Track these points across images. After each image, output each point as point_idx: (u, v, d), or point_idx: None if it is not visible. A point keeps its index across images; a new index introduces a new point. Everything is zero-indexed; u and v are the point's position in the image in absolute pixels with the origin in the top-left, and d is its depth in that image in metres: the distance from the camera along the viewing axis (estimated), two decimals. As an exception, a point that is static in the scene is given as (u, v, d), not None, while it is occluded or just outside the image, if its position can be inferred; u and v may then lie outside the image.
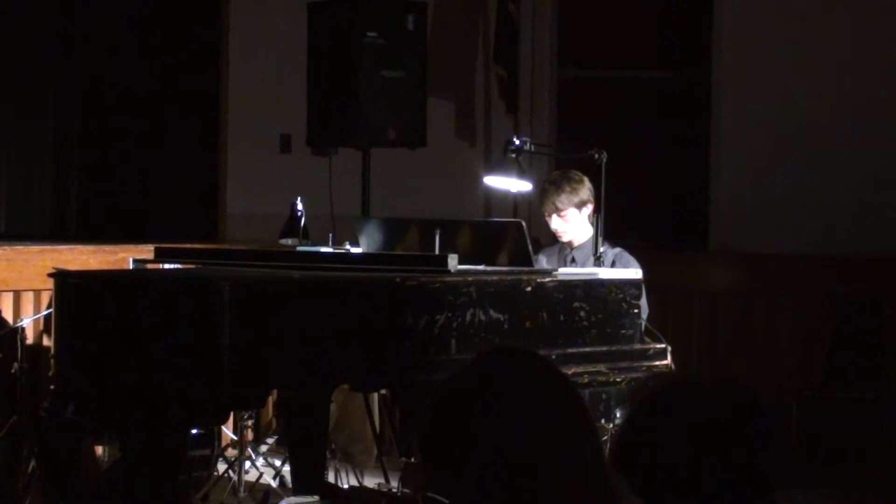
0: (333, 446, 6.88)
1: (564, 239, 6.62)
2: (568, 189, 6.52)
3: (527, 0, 8.86)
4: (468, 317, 5.52)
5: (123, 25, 9.36)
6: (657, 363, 6.03)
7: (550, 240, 6.80)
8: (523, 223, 6.12)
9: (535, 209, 6.80)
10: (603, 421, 5.68)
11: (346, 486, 6.78)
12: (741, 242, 8.51)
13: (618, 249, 6.50)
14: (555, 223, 6.57)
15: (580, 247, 6.60)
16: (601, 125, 8.88)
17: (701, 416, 2.17)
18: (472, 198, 8.54)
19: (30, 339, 6.90)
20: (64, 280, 5.61)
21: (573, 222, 6.56)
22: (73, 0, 9.29)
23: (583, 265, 6.47)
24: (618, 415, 5.76)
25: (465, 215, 8.20)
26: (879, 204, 8.26)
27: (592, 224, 6.49)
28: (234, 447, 7.23)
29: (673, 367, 6.10)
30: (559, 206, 6.53)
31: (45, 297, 7.16)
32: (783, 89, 8.48)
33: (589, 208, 6.55)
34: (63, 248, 7.58)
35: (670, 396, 2.22)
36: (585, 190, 6.53)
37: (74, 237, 8.91)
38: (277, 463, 7.09)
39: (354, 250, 6.36)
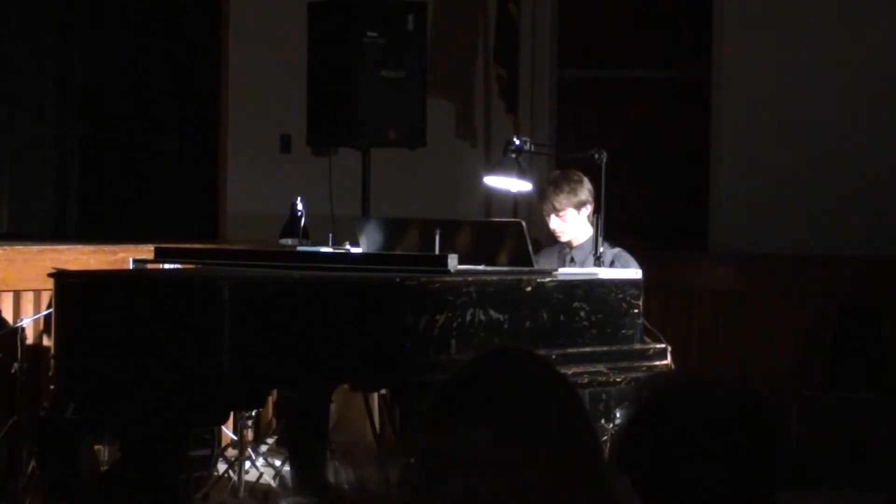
0: (333, 446, 6.88)
1: (563, 239, 6.62)
2: (567, 189, 6.52)
3: (527, 0, 8.86)
4: (468, 317, 5.52)
5: (123, 25, 9.36)
6: (657, 363, 6.03)
7: (550, 240, 6.80)
8: (523, 223, 6.13)
9: (535, 209, 6.81)
10: (603, 421, 5.68)
11: (346, 486, 6.77)
12: (741, 242, 8.51)
13: (617, 249, 6.50)
14: (553, 223, 6.58)
15: (579, 247, 6.60)
16: (601, 125, 8.88)
17: (704, 416, 2.17)
18: (472, 198, 8.54)
19: (30, 339, 6.90)
20: (64, 280, 5.61)
21: (571, 223, 6.56)
22: (73, 0, 9.29)
23: (582, 265, 6.47)
24: (618, 415, 5.76)
25: (465, 215, 8.20)
26: (879, 204, 8.26)
27: (592, 224, 6.48)
28: (234, 447, 7.23)
29: (673, 367, 6.10)
30: (557, 206, 6.53)
31: (45, 297, 7.16)
32: (783, 89, 8.48)
33: (588, 209, 6.55)
34: (63, 248, 7.57)
35: (673, 396, 2.22)
36: (584, 191, 6.53)
37: (75, 237, 8.91)
38: (277, 463, 7.09)
39: (354, 250, 6.36)
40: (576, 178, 6.57)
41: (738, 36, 8.59)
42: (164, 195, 9.44)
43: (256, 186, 8.95)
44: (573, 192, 6.52)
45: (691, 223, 8.82)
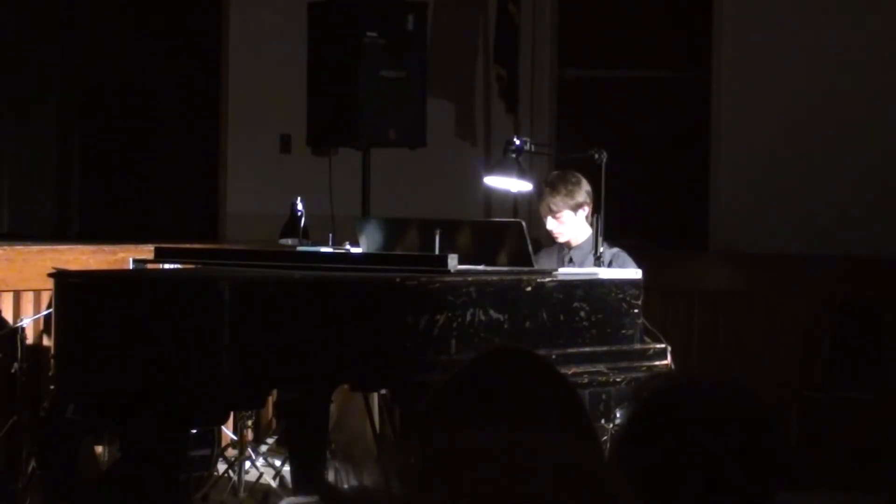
0: (333, 446, 6.88)
1: (560, 240, 6.63)
2: (563, 191, 6.53)
3: (527, 0, 8.86)
4: (468, 317, 5.52)
5: (123, 26, 9.36)
6: (657, 363, 6.03)
7: (550, 240, 6.80)
8: (523, 223, 6.13)
9: (535, 209, 6.81)
10: (603, 421, 5.68)
11: (346, 486, 6.78)
12: (741, 242, 8.51)
13: (616, 249, 6.50)
14: (550, 224, 6.58)
15: (578, 247, 6.60)
16: (601, 125, 8.88)
17: (703, 416, 2.17)
18: (472, 198, 8.54)
19: (30, 339, 6.90)
20: (64, 280, 5.61)
21: (568, 224, 6.56)
22: (73, 1, 9.30)
23: (580, 265, 6.48)
24: (618, 415, 5.76)
25: (465, 215, 8.20)
26: (879, 204, 8.26)
27: (591, 224, 6.48)
28: (234, 447, 7.23)
29: (673, 367, 6.10)
30: (553, 207, 6.53)
31: (45, 297, 7.16)
32: (783, 89, 8.48)
33: (585, 210, 6.55)
34: (63, 248, 7.57)
35: (672, 396, 2.22)
36: (582, 192, 6.53)
37: (75, 237, 8.91)
38: (277, 463, 7.09)
39: (354, 250, 6.36)
40: (573, 179, 6.57)
41: (738, 36, 8.59)
42: (164, 195, 9.44)
43: (256, 186, 8.95)
44: (570, 193, 6.52)
45: (691, 223, 8.82)
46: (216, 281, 5.24)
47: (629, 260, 6.47)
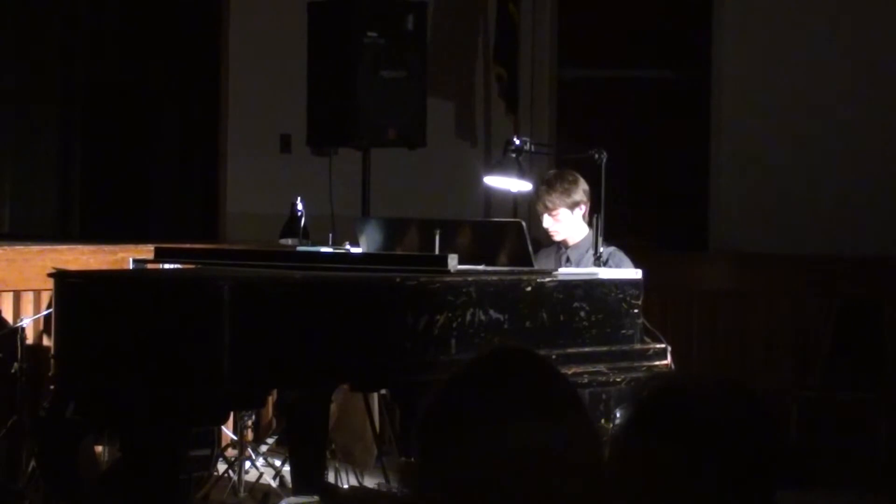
0: (333, 446, 6.88)
1: (557, 238, 6.64)
2: (560, 189, 6.53)
3: (527, 0, 8.86)
4: (468, 317, 5.52)
5: (124, 26, 9.37)
6: (657, 363, 6.03)
7: (548, 240, 6.81)
8: (523, 223, 6.13)
9: (534, 209, 6.81)
10: (603, 421, 5.69)
11: (346, 486, 6.79)
12: (741, 242, 8.51)
13: (612, 248, 6.50)
14: (546, 222, 6.59)
15: (575, 246, 6.61)
16: (601, 125, 8.88)
17: (703, 416, 2.17)
18: (472, 198, 8.54)
19: (30, 339, 6.91)
20: (64, 280, 5.61)
21: (565, 222, 6.57)
22: (74, 1, 9.30)
23: (577, 264, 6.49)
24: (618, 415, 5.76)
25: (465, 215, 8.20)
26: (880, 204, 8.26)
27: (591, 224, 6.48)
28: (234, 447, 7.23)
29: (673, 366, 6.10)
30: (549, 205, 6.54)
31: (45, 297, 7.16)
32: (783, 89, 8.48)
33: (582, 209, 6.56)
34: (63, 248, 7.58)
35: (672, 396, 2.22)
36: (579, 191, 6.54)
37: (76, 237, 8.92)
38: (277, 463, 7.09)
39: (354, 250, 6.36)
40: (570, 178, 6.58)
41: (738, 36, 8.59)
42: (164, 195, 9.45)
43: (256, 186, 8.95)
44: (566, 192, 6.53)
45: (691, 223, 8.82)
46: (216, 281, 5.24)
47: (625, 258, 6.48)
